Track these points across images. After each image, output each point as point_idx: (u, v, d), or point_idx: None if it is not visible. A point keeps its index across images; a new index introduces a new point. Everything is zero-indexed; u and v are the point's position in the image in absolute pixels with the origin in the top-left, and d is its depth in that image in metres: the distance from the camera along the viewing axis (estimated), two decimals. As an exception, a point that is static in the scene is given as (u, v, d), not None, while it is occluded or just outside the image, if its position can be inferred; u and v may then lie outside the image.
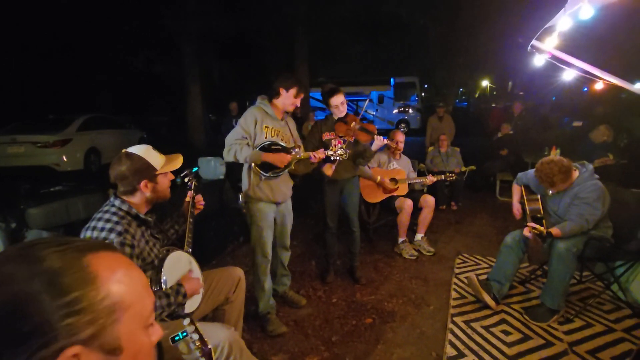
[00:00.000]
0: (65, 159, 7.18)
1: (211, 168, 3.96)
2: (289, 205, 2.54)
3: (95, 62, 13.16)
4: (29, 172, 6.72)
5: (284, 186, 2.42)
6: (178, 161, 1.62)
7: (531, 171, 2.79)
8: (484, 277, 2.78)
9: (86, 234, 1.37)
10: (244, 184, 2.38)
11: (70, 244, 0.49)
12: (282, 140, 2.34)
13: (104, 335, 0.46)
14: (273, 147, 2.28)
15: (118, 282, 0.49)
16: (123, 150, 1.51)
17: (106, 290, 0.48)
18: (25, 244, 0.48)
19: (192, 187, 1.98)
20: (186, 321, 0.97)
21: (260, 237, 2.36)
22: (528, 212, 2.71)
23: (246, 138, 2.25)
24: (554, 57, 2.36)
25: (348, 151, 2.40)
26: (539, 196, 2.74)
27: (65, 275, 0.45)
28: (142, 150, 1.52)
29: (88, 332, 0.45)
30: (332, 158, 2.39)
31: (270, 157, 2.24)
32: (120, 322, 0.48)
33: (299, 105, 2.39)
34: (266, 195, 2.33)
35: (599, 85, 2.53)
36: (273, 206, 2.40)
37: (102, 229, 1.36)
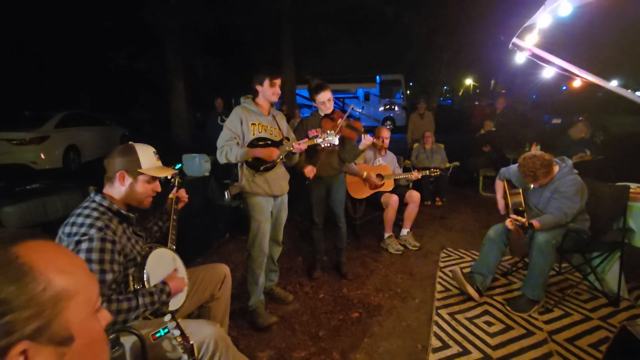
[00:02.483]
0: (42, 157, 6.94)
1: (196, 165, 3.89)
2: (285, 199, 2.54)
3: (75, 58, 12.74)
4: (5, 170, 6.47)
5: (281, 180, 2.43)
6: (166, 172, 1.57)
7: (513, 166, 2.86)
8: (468, 269, 2.83)
9: (65, 229, 1.33)
10: (240, 180, 2.37)
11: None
12: (270, 135, 2.34)
13: (51, 327, 0.45)
14: (261, 143, 2.28)
15: (58, 270, 0.47)
16: (130, 142, 1.53)
17: (45, 280, 0.45)
18: None
19: (176, 184, 1.95)
20: (167, 317, 0.95)
21: (257, 231, 2.36)
22: (510, 206, 2.78)
23: (235, 138, 2.26)
24: (534, 55, 2.41)
25: (337, 137, 2.38)
26: (520, 190, 2.81)
27: None
28: (140, 146, 1.52)
29: (33, 326, 0.43)
30: (322, 145, 2.37)
31: (258, 152, 2.24)
32: (67, 311, 0.46)
33: (279, 92, 2.38)
34: (263, 189, 2.33)
35: (577, 83, 2.61)
36: (271, 200, 2.41)
37: (82, 225, 1.31)
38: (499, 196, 2.94)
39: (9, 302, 0.42)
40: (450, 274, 2.98)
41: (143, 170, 1.48)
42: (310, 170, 2.59)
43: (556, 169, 2.56)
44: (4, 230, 0.50)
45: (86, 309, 0.50)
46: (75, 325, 0.47)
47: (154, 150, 1.57)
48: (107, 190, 1.48)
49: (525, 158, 2.52)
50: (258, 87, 2.32)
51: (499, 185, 2.97)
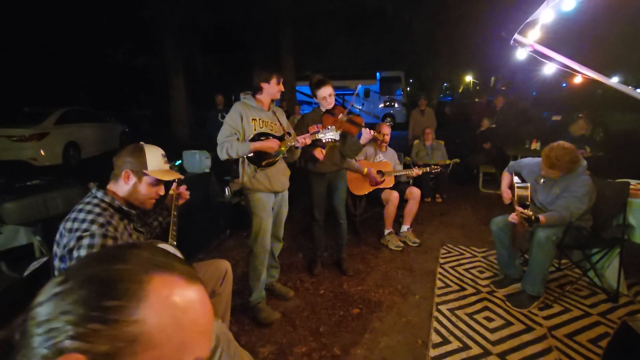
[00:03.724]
0: (42, 154, 6.93)
1: (196, 161, 3.89)
2: (285, 195, 2.54)
3: (74, 54, 12.69)
4: (4, 167, 6.46)
5: (282, 176, 2.43)
6: (170, 176, 1.56)
7: (524, 160, 2.84)
8: (469, 266, 2.83)
9: (66, 225, 1.33)
10: (240, 176, 2.37)
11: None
12: (271, 130, 2.34)
13: None
14: (262, 138, 2.28)
15: (161, 314, 0.43)
16: (140, 142, 1.54)
17: (143, 315, 0.42)
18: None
19: (176, 180, 1.94)
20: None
21: (260, 227, 2.37)
22: (516, 198, 2.76)
23: (235, 134, 2.26)
24: (535, 51, 2.40)
25: (338, 133, 2.37)
26: (529, 185, 2.78)
27: (121, 282, 0.42)
28: (150, 147, 1.52)
29: (102, 349, 0.40)
30: (324, 140, 2.36)
31: (258, 145, 2.23)
32: (136, 358, 0.41)
33: (283, 89, 2.40)
34: (264, 185, 2.33)
35: (577, 80, 2.59)
36: (272, 196, 2.41)
37: (84, 220, 1.31)
38: (505, 186, 2.89)
39: (107, 313, 0.40)
40: (450, 270, 2.99)
41: (148, 172, 1.48)
42: (319, 152, 2.59)
43: None
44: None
45: None
46: None
47: (163, 153, 1.57)
48: (111, 186, 1.48)
49: (554, 148, 2.46)
50: (264, 85, 2.31)
51: (506, 176, 2.92)
